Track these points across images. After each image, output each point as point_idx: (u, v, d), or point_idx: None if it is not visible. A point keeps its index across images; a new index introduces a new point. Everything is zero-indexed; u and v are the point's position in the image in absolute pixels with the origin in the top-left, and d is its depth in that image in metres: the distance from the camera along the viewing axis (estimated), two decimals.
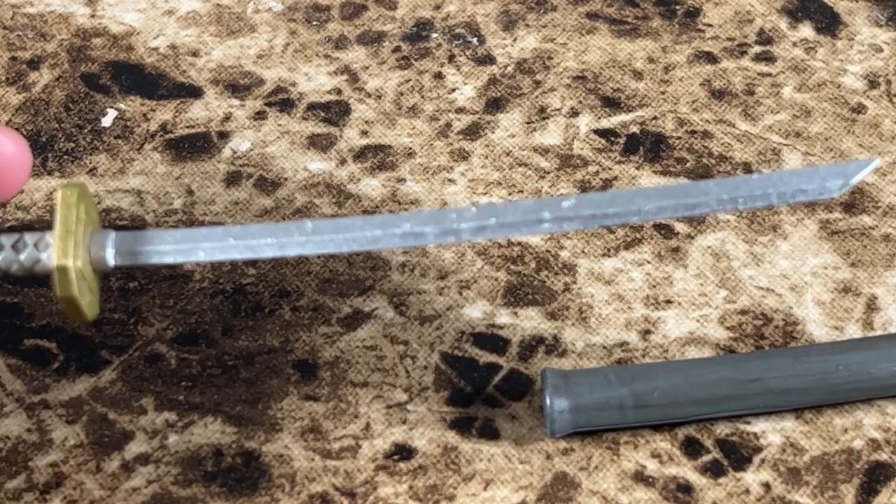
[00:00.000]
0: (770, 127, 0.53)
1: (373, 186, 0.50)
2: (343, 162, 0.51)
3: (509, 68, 0.55)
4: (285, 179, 0.51)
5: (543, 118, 0.53)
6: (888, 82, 0.54)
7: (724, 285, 0.47)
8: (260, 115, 0.53)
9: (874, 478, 0.42)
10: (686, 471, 0.42)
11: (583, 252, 0.48)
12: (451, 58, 0.55)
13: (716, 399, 0.42)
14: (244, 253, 0.38)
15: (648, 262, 0.48)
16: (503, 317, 0.46)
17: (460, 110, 0.53)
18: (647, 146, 0.52)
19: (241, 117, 0.53)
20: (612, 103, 0.54)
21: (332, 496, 0.42)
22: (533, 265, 0.48)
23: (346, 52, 0.56)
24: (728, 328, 0.46)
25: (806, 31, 0.57)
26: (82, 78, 0.55)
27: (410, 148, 0.52)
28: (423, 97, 0.54)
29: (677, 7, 0.58)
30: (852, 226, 0.49)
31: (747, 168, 0.51)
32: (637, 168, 0.51)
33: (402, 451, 0.43)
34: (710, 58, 0.55)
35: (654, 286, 0.47)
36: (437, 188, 0.50)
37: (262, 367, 0.45)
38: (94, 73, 0.55)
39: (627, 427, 0.43)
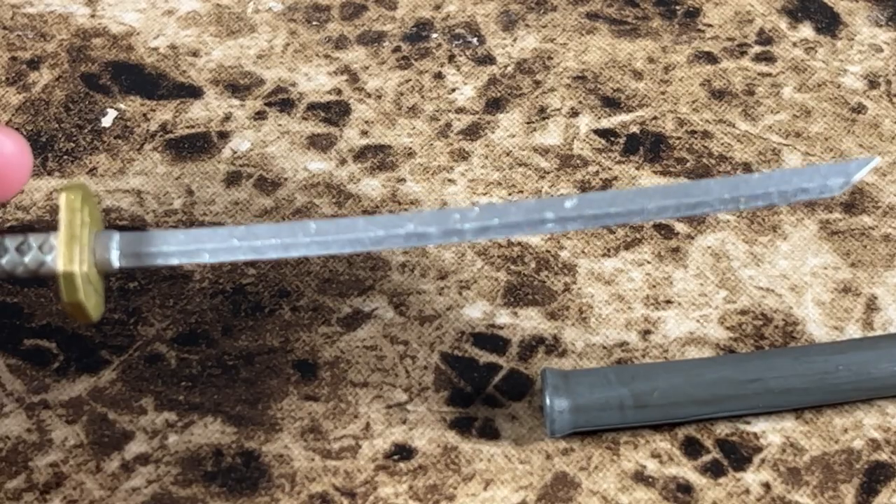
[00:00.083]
0: (770, 127, 0.53)
1: (373, 186, 0.50)
2: (343, 162, 0.51)
3: (509, 68, 0.55)
4: (285, 179, 0.51)
5: (543, 118, 0.53)
6: (888, 82, 0.54)
7: (724, 285, 0.47)
8: (260, 115, 0.53)
9: (874, 478, 0.42)
10: (686, 471, 0.42)
11: (583, 252, 0.48)
12: (451, 58, 0.55)
13: (716, 399, 0.42)
14: (248, 254, 0.38)
15: (648, 263, 0.48)
16: (503, 317, 0.46)
17: (460, 110, 0.53)
18: (647, 146, 0.52)
19: (241, 117, 0.53)
20: (612, 103, 0.54)
21: (332, 496, 0.42)
22: (533, 265, 0.48)
23: (346, 52, 0.56)
24: (728, 328, 0.46)
25: (806, 31, 0.57)
26: (82, 78, 0.55)
27: (410, 148, 0.52)
28: (423, 97, 0.54)
29: (677, 7, 0.58)
30: (852, 226, 0.49)
31: (747, 168, 0.51)
32: (637, 168, 0.51)
33: (402, 451, 0.43)
34: (710, 58, 0.55)
35: (654, 286, 0.47)
36: (437, 188, 0.50)
37: (262, 367, 0.45)
38: (94, 73, 0.55)
39: (627, 427, 0.43)
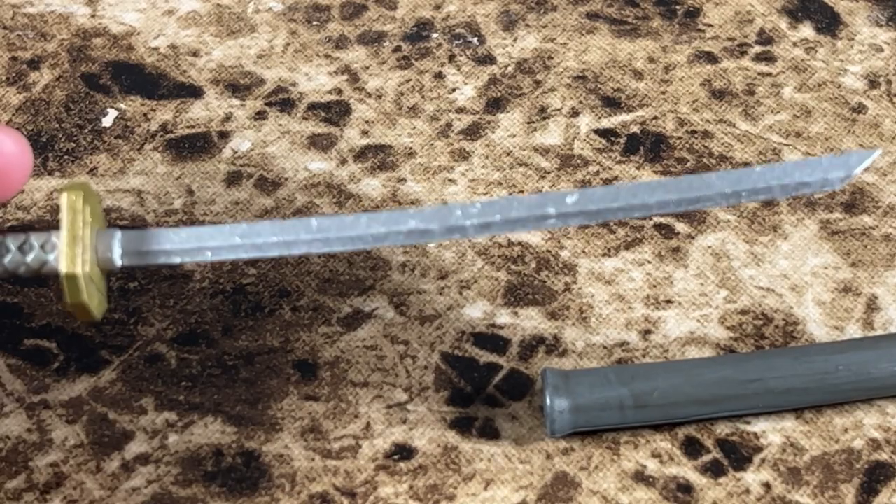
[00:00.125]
0: (770, 127, 0.53)
1: (373, 186, 0.50)
2: (343, 162, 0.51)
3: (510, 68, 0.55)
4: (286, 179, 0.51)
5: (544, 118, 0.53)
6: (888, 82, 0.54)
7: (725, 285, 0.47)
8: (260, 115, 0.53)
9: (874, 478, 0.42)
10: (686, 471, 0.42)
11: (583, 252, 0.48)
12: (452, 58, 0.55)
13: (716, 399, 0.42)
14: (250, 252, 0.38)
15: (649, 262, 0.48)
16: (503, 317, 0.46)
17: (461, 110, 0.53)
18: (648, 146, 0.52)
19: (242, 117, 0.53)
20: (612, 103, 0.54)
21: (333, 496, 0.42)
22: (533, 265, 0.48)
23: (346, 52, 0.56)
24: (728, 328, 0.46)
25: (806, 31, 0.57)
26: (82, 78, 0.55)
27: (411, 148, 0.52)
28: (423, 97, 0.54)
29: (677, 7, 0.58)
30: (852, 226, 0.49)
31: None
32: (637, 168, 0.51)
33: (403, 451, 0.43)
34: (711, 58, 0.55)
35: (655, 286, 0.47)
36: (438, 188, 0.50)
37: (262, 367, 0.45)
38: (94, 73, 0.55)
39: (627, 427, 0.43)
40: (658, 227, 0.49)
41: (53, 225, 0.49)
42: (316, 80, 0.54)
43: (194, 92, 0.54)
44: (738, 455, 0.43)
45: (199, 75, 0.55)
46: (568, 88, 0.54)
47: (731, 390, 0.42)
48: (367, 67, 0.55)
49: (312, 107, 0.53)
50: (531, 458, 0.42)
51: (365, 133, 0.52)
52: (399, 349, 0.45)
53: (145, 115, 0.53)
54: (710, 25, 0.57)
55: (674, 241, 0.49)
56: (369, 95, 0.54)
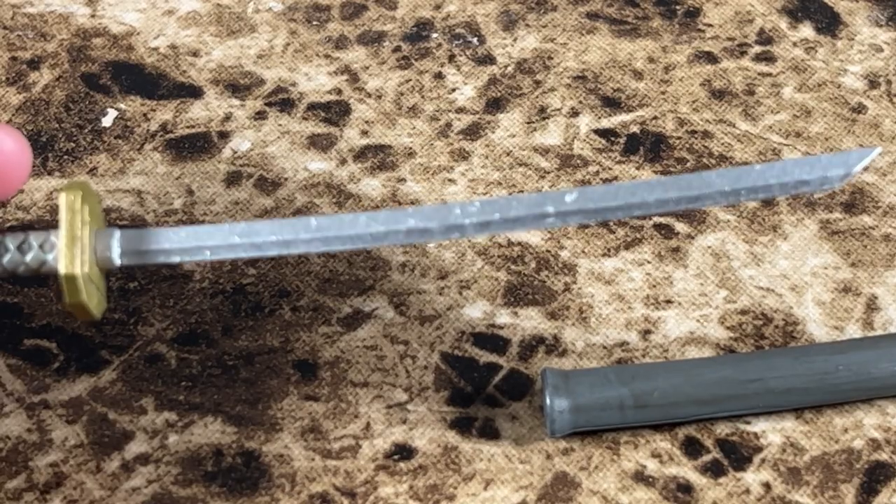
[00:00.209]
0: (770, 127, 0.53)
1: (373, 186, 0.50)
2: (343, 162, 0.51)
3: (509, 68, 0.55)
4: (285, 179, 0.51)
5: (543, 118, 0.53)
6: (888, 82, 0.54)
7: (725, 285, 0.47)
8: (260, 115, 0.53)
9: (874, 478, 0.42)
10: (686, 471, 0.42)
11: (583, 252, 0.48)
12: (452, 58, 0.55)
13: (716, 399, 0.42)
14: (249, 251, 0.38)
15: (648, 262, 0.48)
16: (503, 317, 0.46)
17: (460, 110, 0.53)
18: (648, 146, 0.52)
19: (242, 117, 0.53)
20: (612, 103, 0.54)
21: (332, 496, 0.42)
22: (533, 265, 0.48)
23: (346, 52, 0.56)
24: (728, 328, 0.46)
25: (806, 31, 0.57)
26: (82, 78, 0.55)
27: (411, 148, 0.52)
28: (423, 97, 0.54)
29: (677, 7, 0.58)
30: (852, 226, 0.49)
31: None
32: (637, 168, 0.51)
33: (403, 451, 0.43)
34: (711, 58, 0.55)
35: (655, 286, 0.47)
36: (438, 188, 0.50)
37: (262, 367, 0.45)
38: (94, 73, 0.55)
39: (627, 427, 0.43)
40: (658, 227, 0.49)
41: (53, 225, 0.49)
42: (316, 80, 0.54)
43: (194, 92, 0.54)
44: (738, 455, 0.43)
45: (199, 75, 0.55)
46: (568, 88, 0.54)
47: (731, 390, 0.42)
48: (367, 67, 0.55)
49: (312, 107, 0.53)
50: (531, 458, 0.42)
51: (365, 133, 0.52)
52: (399, 349, 0.45)
53: (145, 115, 0.53)
54: (710, 25, 0.57)
55: (673, 241, 0.49)
56: (369, 95, 0.54)
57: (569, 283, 0.47)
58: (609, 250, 0.48)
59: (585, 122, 0.53)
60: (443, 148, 0.52)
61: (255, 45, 0.56)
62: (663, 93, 0.54)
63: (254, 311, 0.46)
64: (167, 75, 0.55)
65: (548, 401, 0.42)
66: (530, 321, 0.46)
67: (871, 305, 0.47)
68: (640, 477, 0.42)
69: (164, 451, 0.43)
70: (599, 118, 0.53)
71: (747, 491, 0.42)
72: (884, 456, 0.43)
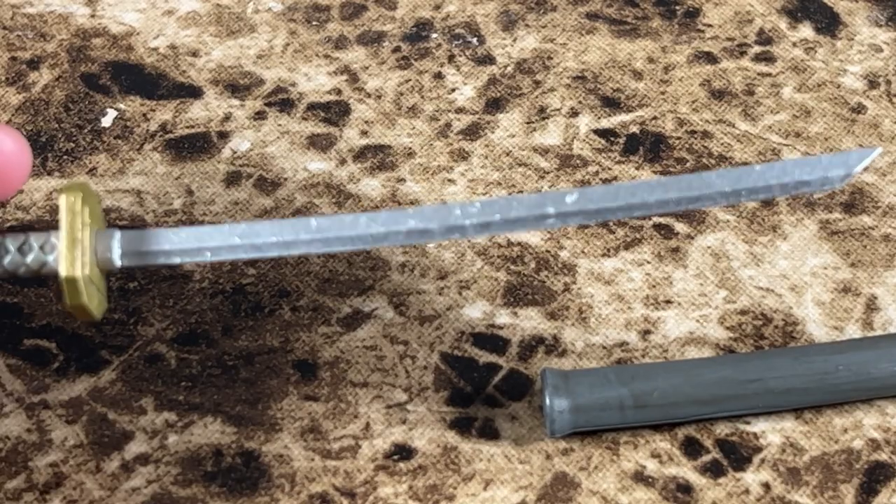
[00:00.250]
0: (770, 127, 0.53)
1: (373, 186, 0.50)
2: (343, 162, 0.51)
3: (509, 68, 0.55)
4: (285, 179, 0.51)
5: (543, 118, 0.53)
6: (888, 82, 0.54)
7: (724, 285, 0.47)
8: (260, 115, 0.53)
9: (874, 478, 0.42)
10: (686, 471, 0.42)
11: (583, 252, 0.48)
12: (451, 58, 0.55)
13: (716, 399, 0.42)
14: (250, 252, 0.38)
15: (648, 263, 0.48)
16: (503, 317, 0.46)
17: (460, 110, 0.53)
18: (647, 146, 0.52)
19: (241, 117, 0.53)
20: (611, 103, 0.54)
21: (332, 496, 0.42)
22: (533, 265, 0.48)
23: (345, 52, 0.56)
24: (728, 328, 0.46)
25: (806, 31, 0.57)
26: (82, 78, 0.55)
27: (410, 148, 0.52)
28: (422, 97, 0.54)
29: (677, 7, 0.58)
30: (852, 226, 0.49)
31: None
32: (637, 168, 0.51)
33: (402, 451, 0.43)
34: (710, 58, 0.55)
35: (654, 286, 0.47)
36: (437, 188, 0.50)
37: (262, 367, 0.45)
38: (94, 73, 0.55)
39: (627, 427, 0.43)
40: (657, 227, 0.49)
41: (53, 225, 0.49)
42: (315, 81, 0.54)
43: (194, 92, 0.54)
44: (738, 455, 0.43)
45: (199, 75, 0.55)
46: (567, 89, 0.54)
47: (730, 390, 0.42)
48: (367, 67, 0.55)
49: (312, 107, 0.53)
50: (531, 458, 0.42)
51: (364, 133, 0.52)
52: (399, 349, 0.45)
53: (145, 115, 0.53)
54: (709, 25, 0.57)
55: (673, 241, 0.49)
56: (369, 95, 0.54)
57: (568, 284, 0.47)
58: (609, 250, 0.48)
59: (585, 123, 0.53)
60: (442, 148, 0.52)
61: (255, 46, 0.56)
62: (663, 93, 0.54)
63: (254, 311, 0.46)
64: (167, 75, 0.55)
65: (547, 401, 0.42)
66: (530, 321, 0.46)
67: (871, 306, 0.47)
68: (640, 477, 0.42)
69: (163, 452, 0.43)
70: (599, 118, 0.53)
71: (747, 491, 0.42)
72: (883, 456, 0.43)
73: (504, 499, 0.42)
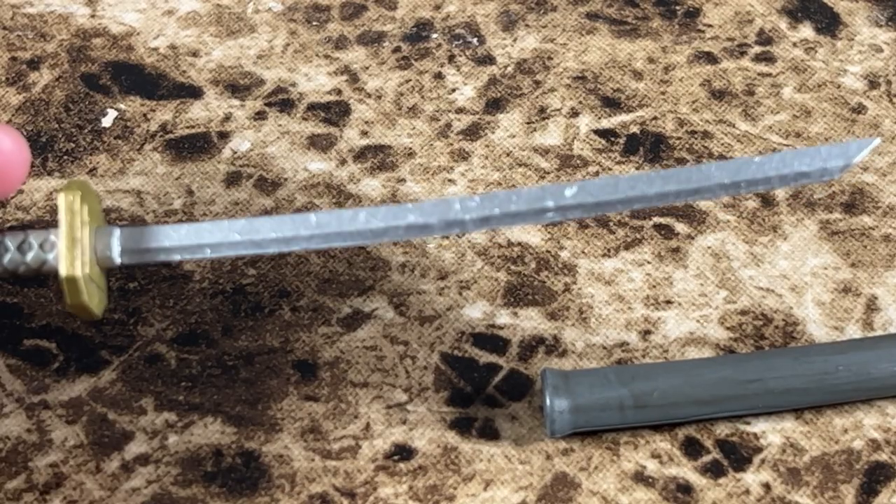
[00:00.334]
0: (770, 127, 0.53)
1: (373, 187, 0.50)
2: (343, 162, 0.51)
3: (509, 68, 0.55)
4: (285, 180, 0.51)
5: (543, 118, 0.53)
6: (888, 82, 0.54)
7: (724, 285, 0.47)
8: (260, 116, 0.53)
9: (874, 478, 0.42)
10: (686, 471, 0.42)
11: (583, 252, 0.48)
12: (451, 58, 0.55)
13: (716, 399, 0.42)
14: (249, 248, 0.38)
15: (648, 263, 0.48)
16: (503, 317, 0.46)
17: (460, 110, 0.53)
18: (647, 146, 0.52)
19: (241, 117, 0.53)
20: (612, 103, 0.54)
21: (332, 496, 0.42)
22: (533, 265, 0.48)
23: (346, 53, 0.56)
24: (728, 328, 0.46)
25: (806, 31, 0.57)
26: (82, 78, 0.55)
27: (410, 148, 0.52)
28: (423, 97, 0.54)
29: (677, 7, 0.58)
30: (852, 226, 0.49)
31: None
32: (637, 168, 0.51)
33: (402, 452, 0.43)
34: (710, 58, 0.55)
35: (654, 286, 0.47)
36: (437, 188, 0.50)
37: (262, 367, 0.45)
38: (94, 74, 0.55)
39: (627, 427, 0.43)
40: (658, 227, 0.49)
41: (53, 225, 0.49)
42: (315, 81, 0.54)
43: (194, 92, 0.54)
44: (738, 455, 0.43)
45: (199, 75, 0.55)
46: (567, 89, 0.54)
47: (731, 390, 0.42)
48: (367, 68, 0.55)
49: (312, 107, 0.53)
50: (531, 458, 0.42)
51: (364, 133, 0.52)
52: (399, 349, 0.45)
53: (145, 115, 0.53)
54: (709, 26, 0.57)
55: (673, 241, 0.49)
56: (369, 96, 0.54)
57: (569, 284, 0.47)
58: (609, 251, 0.48)
59: (585, 123, 0.53)
60: (443, 148, 0.52)
61: (255, 46, 0.56)
62: (663, 93, 0.54)
63: (254, 312, 0.46)
64: (167, 75, 0.55)
65: (548, 401, 0.42)
66: (530, 321, 0.46)
67: (871, 306, 0.47)
68: (640, 477, 0.42)
69: (163, 452, 0.43)
70: (599, 118, 0.53)
71: (747, 491, 0.42)
72: (883, 456, 0.43)
73: (504, 499, 0.42)
